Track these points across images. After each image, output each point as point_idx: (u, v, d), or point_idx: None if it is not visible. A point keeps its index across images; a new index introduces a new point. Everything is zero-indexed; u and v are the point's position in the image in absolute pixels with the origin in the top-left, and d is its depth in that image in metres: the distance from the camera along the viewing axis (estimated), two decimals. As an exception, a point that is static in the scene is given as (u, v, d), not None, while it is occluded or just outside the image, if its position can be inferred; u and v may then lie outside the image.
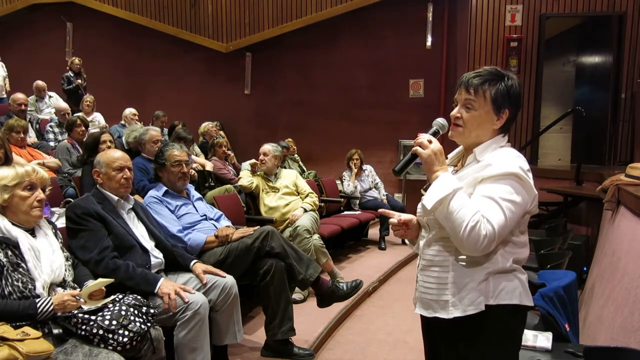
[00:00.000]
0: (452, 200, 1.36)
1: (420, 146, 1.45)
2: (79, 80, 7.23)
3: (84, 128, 4.76)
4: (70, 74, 7.27)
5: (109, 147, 3.72)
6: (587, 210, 5.24)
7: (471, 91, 1.47)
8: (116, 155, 2.48)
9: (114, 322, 1.85)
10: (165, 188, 2.98)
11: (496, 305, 1.43)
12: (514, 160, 1.41)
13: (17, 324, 1.74)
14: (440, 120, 1.54)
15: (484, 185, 1.40)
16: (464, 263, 1.44)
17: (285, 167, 5.48)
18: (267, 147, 4.28)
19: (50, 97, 6.86)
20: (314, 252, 3.82)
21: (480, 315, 1.43)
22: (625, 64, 6.60)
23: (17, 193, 1.89)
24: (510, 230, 1.41)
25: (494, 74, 1.48)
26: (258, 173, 4.30)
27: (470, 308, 1.42)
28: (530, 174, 1.42)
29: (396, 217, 1.61)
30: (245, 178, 4.23)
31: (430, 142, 1.44)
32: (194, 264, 2.52)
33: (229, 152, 5.81)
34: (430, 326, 1.59)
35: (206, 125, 6.87)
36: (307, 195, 4.29)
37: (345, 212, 5.66)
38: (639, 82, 6.38)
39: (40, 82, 6.81)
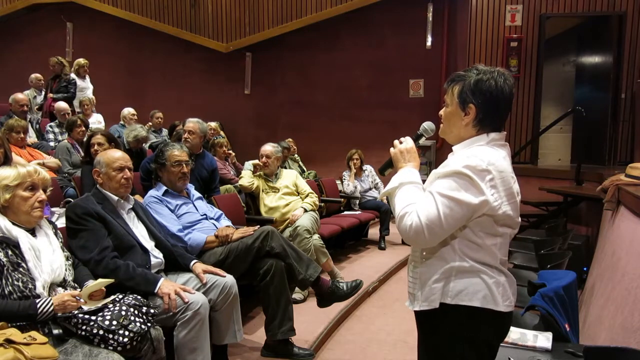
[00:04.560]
0: (398, 192, 1.47)
1: (393, 146, 1.59)
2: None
3: (84, 128, 4.76)
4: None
5: (96, 150, 3.63)
6: (587, 210, 5.24)
7: (445, 88, 1.55)
8: (116, 155, 2.48)
9: (114, 322, 1.85)
10: (165, 187, 2.98)
11: (453, 305, 1.44)
12: (465, 159, 1.39)
13: (20, 324, 1.74)
14: (426, 125, 1.64)
15: (434, 182, 1.44)
16: (425, 260, 1.49)
17: (285, 167, 5.48)
18: (269, 149, 4.25)
19: None
20: (314, 252, 3.82)
21: (437, 313, 1.46)
22: (625, 64, 6.61)
23: (19, 193, 1.89)
24: (452, 227, 1.38)
25: (471, 70, 1.49)
26: (258, 174, 4.30)
27: (424, 304, 1.48)
28: (486, 175, 1.37)
29: None
30: (246, 178, 4.23)
31: (401, 142, 1.59)
32: (194, 263, 2.52)
33: (230, 152, 5.78)
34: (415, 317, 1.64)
35: (207, 125, 6.88)
36: (307, 195, 4.28)
37: (345, 212, 5.66)
38: (639, 82, 6.39)
39: (37, 74, 6.73)
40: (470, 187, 1.37)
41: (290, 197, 4.22)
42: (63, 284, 1.98)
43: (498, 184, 1.39)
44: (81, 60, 7.00)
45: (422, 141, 1.64)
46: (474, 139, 1.48)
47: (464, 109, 1.48)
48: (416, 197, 1.43)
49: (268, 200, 4.19)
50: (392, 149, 1.59)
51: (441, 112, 1.57)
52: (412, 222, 1.38)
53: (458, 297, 1.43)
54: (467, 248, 1.43)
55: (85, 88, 6.96)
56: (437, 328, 1.49)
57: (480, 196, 1.37)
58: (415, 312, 1.54)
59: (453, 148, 1.53)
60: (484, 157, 1.40)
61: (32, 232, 1.96)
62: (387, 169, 1.66)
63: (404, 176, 1.50)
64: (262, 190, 4.23)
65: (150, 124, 6.78)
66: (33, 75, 6.76)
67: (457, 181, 1.38)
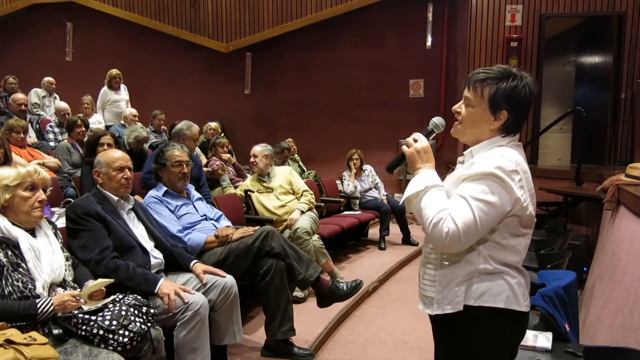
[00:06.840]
0: (424, 196, 1.39)
1: (406, 145, 1.49)
2: None
3: (84, 128, 4.76)
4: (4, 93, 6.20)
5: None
6: (587, 210, 5.24)
7: (470, 88, 1.46)
8: (116, 155, 2.48)
9: (114, 323, 1.85)
10: (165, 188, 2.98)
11: (477, 307, 1.41)
12: (495, 161, 1.36)
13: (20, 324, 1.74)
14: (436, 120, 1.56)
15: (462, 184, 1.39)
16: (446, 262, 1.45)
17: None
18: (257, 149, 4.29)
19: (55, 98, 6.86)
20: (314, 252, 3.81)
21: (461, 315, 1.43)
22: (625, 64, 6.61)
23: (19, 193, 1.89)
24: (485, 230, 1.36)
25: (501, 72, 1.43)
26: (253, 175, 4.34)
27: (448, 307, 1.44)
28: (515, 176, 1.36)
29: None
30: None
31: (416, 140, 1.48)
32: (194, 264, 2.52)
33: (227, 154, 5.68)
34: (431, 321, 1.60)
35: (207, 125, 6.91)
36: (302, 194, 4.24)
37: (345, 212, 5.65)
38: (639, 82, 6.39)
39: (49, 77, 6.72)
40: (502, 189, 1.34)
41: (285, 197, 4.20)
42: (63, 284, 1.97)
43: (524, 184, 1.38)
44: (113, 71, 6.45)
45: (430, 138, 1.56)
46: (494, 140, 1.45)
47: (494, 114, 1.42)
48: (445, 201, 1.38)
49: (263, 201, 4.17)
50: (405, 148, 1.49)
51: (457, 108, 1.49)
52: (449, 229, 1.32)
53: (481, 299, 1.40)
54: (493, 250, 1.41)
55: (120, 100, 6.53)
56: (459, 330, 1.45)
57: (513, 197, 1.35)
58: (434, 315, 1.48)
59: (472, 149, 1.48)
60: (511, 157, 1.37)
61: (32, 232, 1.96)
62: (396, 166, 1.57)
63: (427, 179, 1.42)
64: (257, 191, 4.23)
65: (151, 125, 6.76)
66: (51, 79, 6.71)
67: (489, 184, 1.34)
